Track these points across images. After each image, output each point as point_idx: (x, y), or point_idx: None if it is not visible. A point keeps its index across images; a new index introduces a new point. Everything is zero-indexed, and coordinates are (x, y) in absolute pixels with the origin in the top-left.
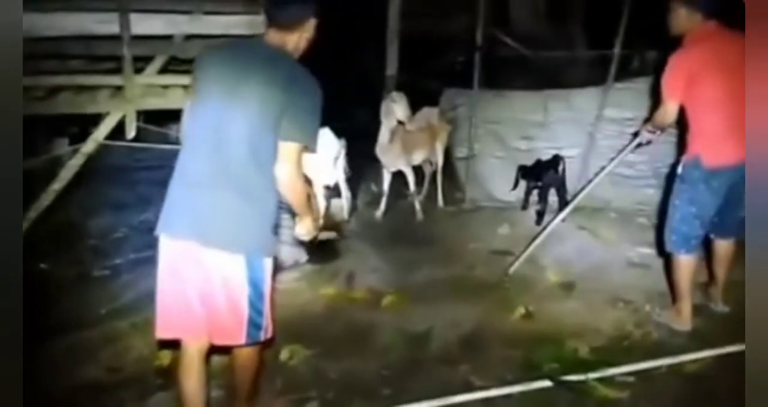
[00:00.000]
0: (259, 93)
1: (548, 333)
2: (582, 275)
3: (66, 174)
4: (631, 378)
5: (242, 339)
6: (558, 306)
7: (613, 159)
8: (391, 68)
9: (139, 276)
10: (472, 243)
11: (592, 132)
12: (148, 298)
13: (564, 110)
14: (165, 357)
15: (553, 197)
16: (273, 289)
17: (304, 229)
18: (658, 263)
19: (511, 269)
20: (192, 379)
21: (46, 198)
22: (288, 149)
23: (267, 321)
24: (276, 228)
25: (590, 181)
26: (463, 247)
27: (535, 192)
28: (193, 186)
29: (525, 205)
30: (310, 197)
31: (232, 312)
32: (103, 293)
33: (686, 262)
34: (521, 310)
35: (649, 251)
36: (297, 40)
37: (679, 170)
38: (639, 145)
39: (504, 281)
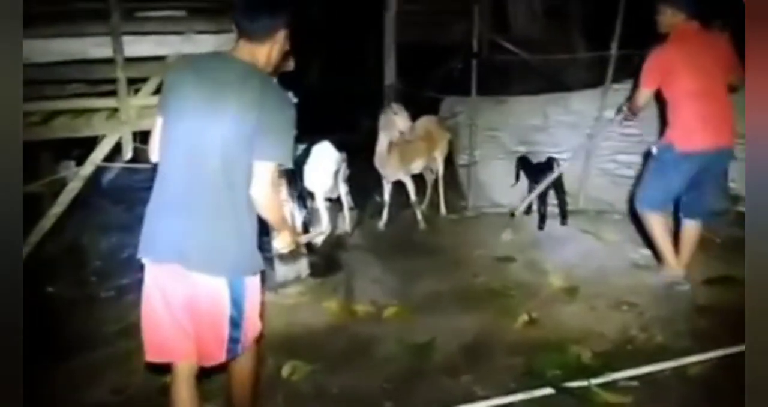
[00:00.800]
0: (231, 111)
1: (551, 339)
2: (586, 279)
3: (65, 197)
4: (634, 383)
5: (222, 357)
6: (561, 311)
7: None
8: (390, 78)
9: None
10: (476, 250)
11: (592, 134)
12: None
13: (563, 114)
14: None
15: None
16: (261, 303)
17: (283, 242)
18: None
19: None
20: (184, 401)
21: (47, 222)
22: (262, 167)
23: (245, 335)
24: (260, 245)
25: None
26: (467, 254)
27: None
28: (170, 207)
29: (528, 209)
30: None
31: (214, 333)
32: (109, 313)
33: (656, 219)
34: (524, 317)
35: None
36: (268, 52)
37: (654, 150)
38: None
39: (507, 288)
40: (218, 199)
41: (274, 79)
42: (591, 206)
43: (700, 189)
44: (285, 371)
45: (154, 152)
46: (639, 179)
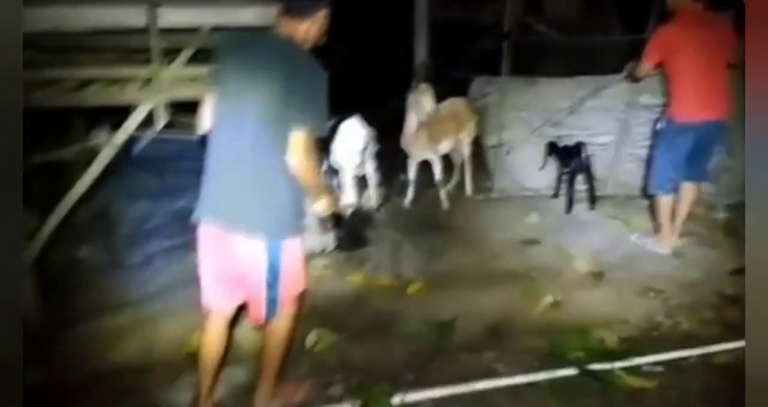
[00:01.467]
0: (267, 81)
1: (575, 322)
2: (612, 265)
3: (98, 165)
4: (659, 368)
5: (263, 317)
6: (586, 295)
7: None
8: (420, 56)
9: (171, 263)
10: (500, 232)
11: (625, 119)
12: (180, 284)
13: (595, 97)
14: (196, 340)
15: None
16: (303, 267)
17: (323, 205)
18: (692, 252)
19: None
20: (213, 345)
21: (81, 188)
22: (297, 135)
23: (282, 296)
24: (300, 211)
25: None
26: (491, 235)
27: (564, 179)
28: (216, 174)
29: (556, 192)
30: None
31: (254, 293)
32: (136, 279)
33: (664, 201)
34: (548, 299)
35: (684, 241)
36: (307, 29)
37: (659, 126)
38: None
39: (530, 271)
40: (257, 166)
41: (308, 52)
42: (620, 191)
43: (697, 156)
44: (309, 340)
45: (202, 124)
46: (649, 161)
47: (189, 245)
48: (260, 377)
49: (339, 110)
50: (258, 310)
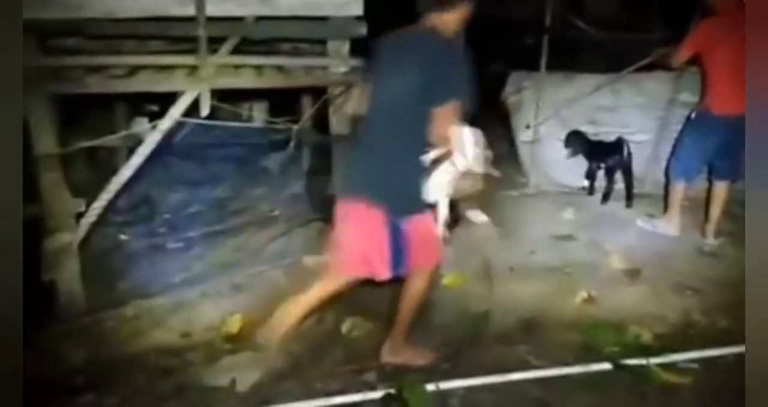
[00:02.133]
0: (415, 69)
1: (610, 318)
2: (648, 262)
3: (145, 149)
4: (694, 365)
5: (386, 275)
6: (621, 291)
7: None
8: None
9: (210, 249)
10: (535, 227)
11: (664, 116)
12: (218, 269)
13: (635, 95)
14: (234, 323)
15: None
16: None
17: (464, 160)
18: (730, 251)
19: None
20: (323, 297)
21: (126, 172)
22: (444, 107)
23: (407, 260)
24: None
25: None
26: (525, 230)
27: (601, 174)
28: (365, 154)
29: (591, 190)
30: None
31: (380, 255)
32: (176, 263)
33: (679, 188)
34: (583, 295)
35: (720, 240)
36: (450, 19)
37: (692, 115)
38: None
39: (565, 266)
40: (401, 146)
41: (451, 39)
42: (657, 190)
43: (731, 153)
44: (345, 327)
45: (352, 108)
46: (675, 147)
47: (227, 231)
48: (391, 331)
49: None
50: (382, 267)
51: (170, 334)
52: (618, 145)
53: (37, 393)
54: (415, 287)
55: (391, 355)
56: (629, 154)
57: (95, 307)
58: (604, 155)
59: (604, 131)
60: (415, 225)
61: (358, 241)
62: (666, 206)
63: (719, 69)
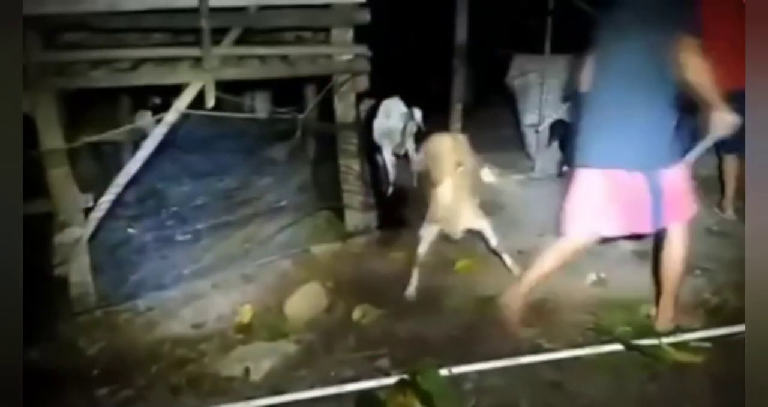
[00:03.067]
0: (638, 39)
1: (620, 299)
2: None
3: (151, 142)
4: (707, 344)
5: (648, 229)
6: (631, 272)
7: None
8: (461, 35)
9: (219, 240)
10: (542, 210)
11: None
12: (228, 260)
13: None
14: (245, 313)
15: None
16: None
17: (726, 120)
18: (739, 230)
19: None
20: (564, 260)
21: (134, 166)
22: (684, 43)
23: (665, 215)
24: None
25: None
26: (532, 214)
27: None
28: (598, 124)
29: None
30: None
31: (639, 215)
32: (185, 255)
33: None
34: (593, 276)
35: (730, 219)
36: None
37: None
38: None
39: None
40: (634, 110)
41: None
42: None
43: None
44: (356, 314)
45: (584, 83)
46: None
47: (235, 222)
48: (661, 298)
49: (379, 90)
50: (643, 225)
51: (183, 325)
52: None
53: (54, 386)
54: (676, 248)
55: (667, 322)
56: None
57: (107, 300)
58: None
59: None
60: (667, 179)
61: (613, 202)
62: None
63: (721, 42)
